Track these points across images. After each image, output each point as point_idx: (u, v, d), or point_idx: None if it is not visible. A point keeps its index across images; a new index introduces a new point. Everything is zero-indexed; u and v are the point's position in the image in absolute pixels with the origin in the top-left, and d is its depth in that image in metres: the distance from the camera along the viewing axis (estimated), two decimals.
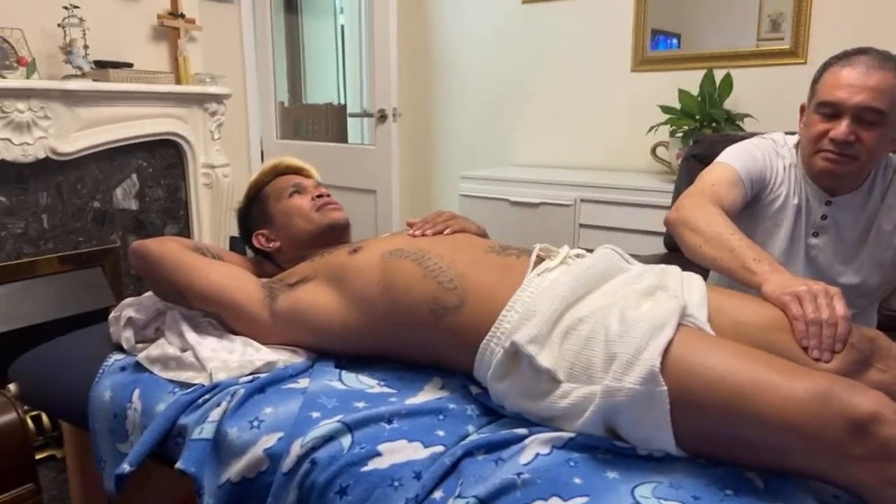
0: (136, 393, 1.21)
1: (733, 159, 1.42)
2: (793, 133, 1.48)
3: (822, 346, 0.98)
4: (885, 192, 1.38)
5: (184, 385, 1.19)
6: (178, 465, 1.06)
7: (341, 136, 4.22)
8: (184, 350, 1.25)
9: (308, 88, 4.96)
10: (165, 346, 1.26)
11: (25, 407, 1.43)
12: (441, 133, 3.58)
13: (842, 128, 1.27)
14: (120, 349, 1.35)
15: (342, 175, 3.23)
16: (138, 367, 1.26)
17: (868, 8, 2.40)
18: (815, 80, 1.36)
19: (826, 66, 1.34)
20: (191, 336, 1.26)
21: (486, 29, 3.31)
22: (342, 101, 4.62)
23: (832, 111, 1.29)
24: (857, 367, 0.98)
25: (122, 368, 1.28)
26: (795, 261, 1.44)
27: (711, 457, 0.90)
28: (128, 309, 1.36)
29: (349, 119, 4.25)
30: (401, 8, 3.10)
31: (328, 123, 4.26)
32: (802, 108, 1.43)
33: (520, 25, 3.21)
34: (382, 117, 3.10)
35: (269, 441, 1.03)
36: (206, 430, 1.07)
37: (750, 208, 1.45)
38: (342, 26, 4.81)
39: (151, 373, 1.24)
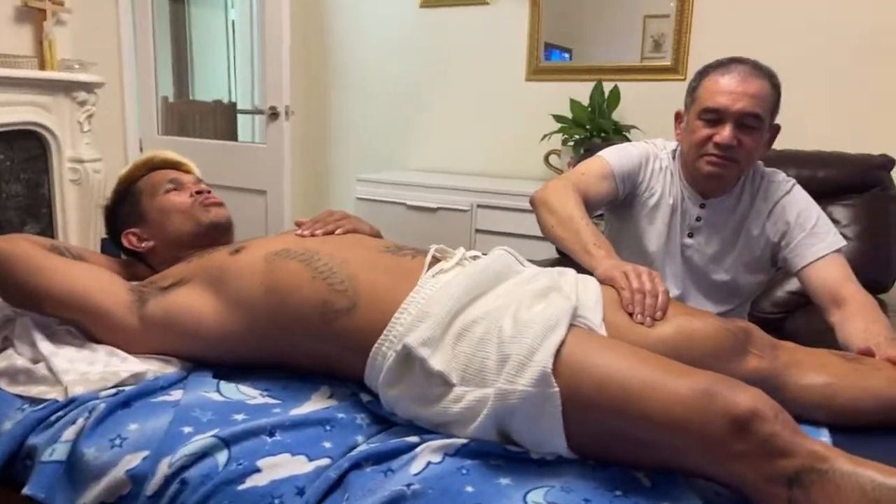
0: None
1: (609, 155, 1.50)
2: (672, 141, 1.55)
3: (645, 313, 1.08)
4: (755, 198, 1.46)
5: (34, 401, 1.06)
6: (26, 490, 0.94)
7: (231, 135, 4.03)
8: (35, 361, 1.12)
9: (196, 84, 4.71)
10: (14, 358, 1.13)
11: None
12: (337, 134, 3.50)
13: (726, 132, 1.33)
14: None
15: (230, 174, 3.08)
16: None
17: (743, 30, 2.57)
18: (694, 88, 1.42)
19: (703, 73, 1.41)
20: (44, 346, 1.13)
21: (384, 30, 3.27)
22: (232, 99, 4.42)
23: (715, 117, 1.35)
24: (737, 354, 1.05)
25: None
26: (673, 259, 1.50)
27: (602, 457, 0.90)
28: None
29: (239, 117, 4.07)
30: (294, 4, 3.00)
31: (217, 121, 4.06)
32: (678, 115, 1.49)
33: (418, 29, 3.19)
34: (274, 115, 2.98)
35: (133, 461, 0.93)
36: (59, 451, 0.96)
37: (628, 206, 1.53)
38: (233, 21, 4.62)
39: None
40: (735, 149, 1.34)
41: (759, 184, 1.47)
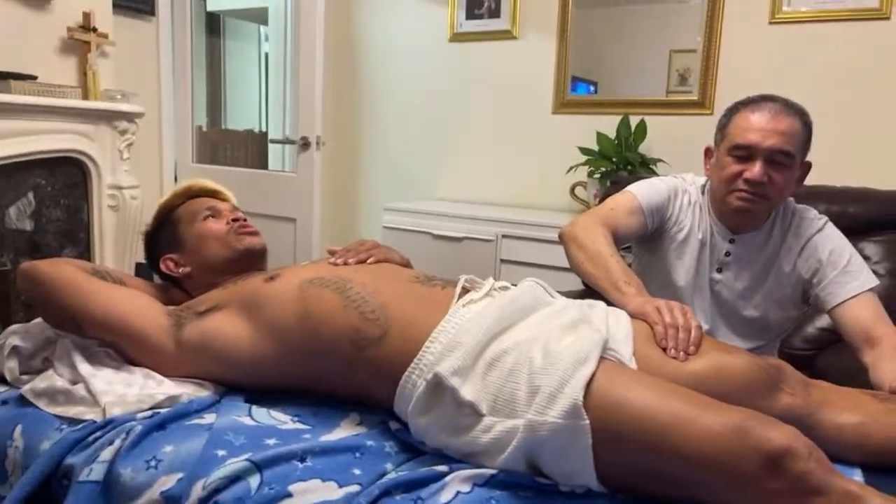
0: (19, 429, 1.09)
1: (637, 189, 1.51)
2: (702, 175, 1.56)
3: (679, 347, 1.08)
4: (786, 234, 1.46)
5: (73, 421, 1.09)
6: None
7: (262, 164, 4.12)
8: (74, 383, 1.15)
9: (228, 113, 4.84)
10: (54, 379, 1.15)
11: None
12: (366, 164, 3.56)
13: (756, 169, 1.34)
14: (3, 381, 1.22)
15: (261, 202, 3.13)
16: (22, 400, 1.14)
17: (770, 66, 2.58)
18: (724, 125, 1.44)
19: (734, 111, 1.42)
20: (83, 367, 1.16)
21: (413, 64, 3.34)
22: (264, 129, 4.53)
23: (745, 154, 1.36)
24: (769, 391, 1.03)
25: (4, 402, 1.16)
26: (702, 294, 1.50)
27: (633, 492, 0.89)
28: (13, 337, 1.23)
29: (270, 147, 4.16)
30: (328, 38, 3.08)
31: (248, 150, 4.16)
32: (708, 151, 1.50)
33: (447, 63, 3.26)
34: (305, 145, 3.04)
35: (168, 482, 0.94)
36: (96, 472, 0.98)
37: (657, 240, 1.53)
38: (266, 54, 4.75)
39: (37, 407, 1.12)
40: (765, 185, 1.35)
41: (791, 220, 1.46)
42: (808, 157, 1.42)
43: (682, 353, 1.07)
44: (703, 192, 1.52)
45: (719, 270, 1.48)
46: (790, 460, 0.78)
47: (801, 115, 1.37)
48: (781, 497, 0.78)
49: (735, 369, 1.05)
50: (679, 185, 1.53)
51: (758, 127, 1.34)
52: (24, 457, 1.06)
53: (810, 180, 1.47)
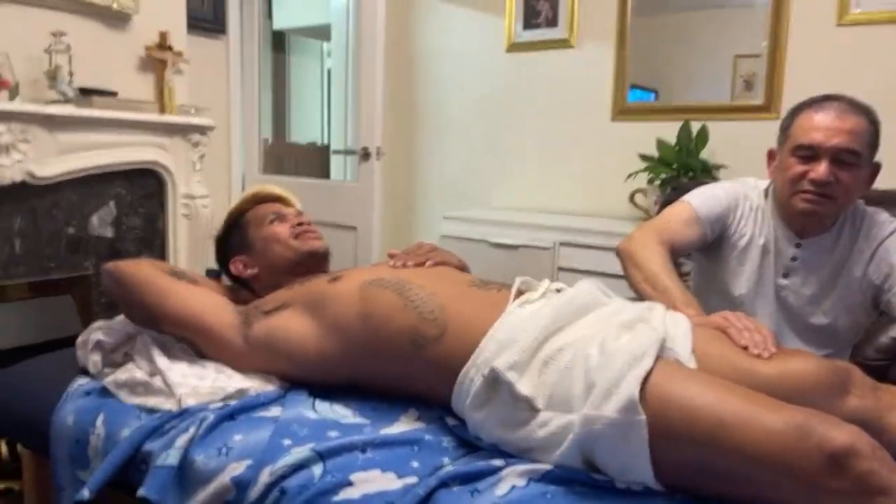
0: (101, 418, 1.17)
1: (696, 199, 1.48)
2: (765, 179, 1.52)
3: (758, 346, 1.06)
4: (856, 238, 1.41)
5: (151, 411, 1.16)
6: (141, 491, 1.02)
7: (323, 175, 4.23)
8: (153, 375, 1.22)
9: (292, 127, 5.00)
10: (134, 371, 1.23)
11: None
12: (424, 173, 3.61)
13: (821, 169, 1.30)
14: (86, 373, 1.31)
15: (323, 211, 3.22)
16: (104, 391, 1.22)
17: (838, 69, 2.50)
18: (787, 126, 1.41)
19: (797, 111, 1.39)
20: (161, 361, 1.23)
21: (471, 75, 3.38)
22: (325, 142, 4.66)
23: (810, 153, 1.33)
24: (836, 392, 1.01)
25: (87, 393, 1.24)
26: (765, 301, 1.46)
27: (690, 489, 0.89)
28: (97, 332, 1.32)
29: (332, 157, 4.28)
30: (387, 52, 3.16)
31: (311, 162, 4.29)
32: (771, 154, 1.47)
33: (504, 73, 3.28)
34: (366, 155, 3.12)
35: (238, 468, 1.00)
36: (172, 457, 1.04)
37: (717, 247, 1.50)
38: (328, 69, 4.89)
39: (117, 398, 1.20)
40: (831, 185, 1.31)
41: (861, 223, 1.42)
42: (878, 159, 1.38)
43: (764, 350, 1.05)
44: (765, 196, 1.49)
45: (785, 276, 1.44)
46: (853, 459, 0.76)
47: (867, 113, 1.33)
48: (844, 496, 0.76)
49: (800, 370, 1.03)
50: (740, 191, 1.49)
51: (822, 126, 1.31)
52: (105, 443, 1.13)
53: (880, 183, 1.42)
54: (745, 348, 1.06)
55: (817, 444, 0.78)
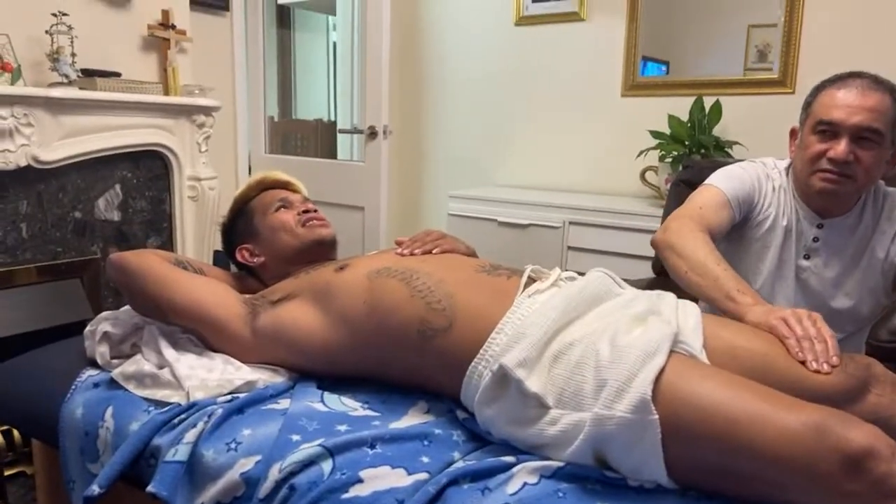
0: (109, 411, 1.16)
1: (721, 182, 1.43)
2: (783, 158, 1.49)
3: (820, 359, 1.00)
4: (879, 218, 1.38)
5: (159, 404, 1.15)
6: (150, 487, 1.02)
7: (331, 153, 4.20)
8: (161, 367, 1.21)
9: (298, 104, 4.95)
10: (142, 363, 1.22)
11: None
12: (431, 152, 3.58)
13: (841, 147, 1.27)
14: (94, 364, 1.30)
15: (330, 191, 3.20)
16: (112, 383, 1.22)
17: (856, 39, 2.43)
18: (809, 103, 1.37)
19: (820, 88, 1.36)
20: (168, 353, 1.22)
21: (478, 49, 3.32)
22: (332, 118, 4.61)
23: (830, 131, 1.30)
24: (856, 393, 0.99)
25: (96, 385, 1.24)
26: (785, 283, 1.44)
27: (703, 488, 0.87)
28: (104, 323, 1.31)
29: (339, 135, 4.24)
30: (394, 27, 3.10)
31: (318, 139, 4.25)
32: (793, 132, 1.44)
33: (512, 47, 3.22)
34: (373, 134, 3.08)
35: (247, 465, 0.99)
36: (181, 452, 1.03)
37: (739, 230, 1.46)
38: (334, 43, 4.82)
39: (126, 390, 1.20)
40: (851, 164, 1.28)
41: (883, 204, 1.39)
42: None
43: (824, 364, 0.99)
44: (787, 175, 1.46)
45: (807, 257, 1.42)
46: (871, 461, 0.74)
47: (891, 91, 1.29)
48: (861, 499, 0.75)
49: (819, 377, 0.99)
50: (761, 170, 1.46)
51: (844, 104, 1.28)
52: (114, 437, 1.13)
53: None
54: (804, 363, 1.01)
55: (834, 445, 0.77)
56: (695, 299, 1.22)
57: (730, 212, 1.40)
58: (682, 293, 1.22)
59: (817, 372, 0.99)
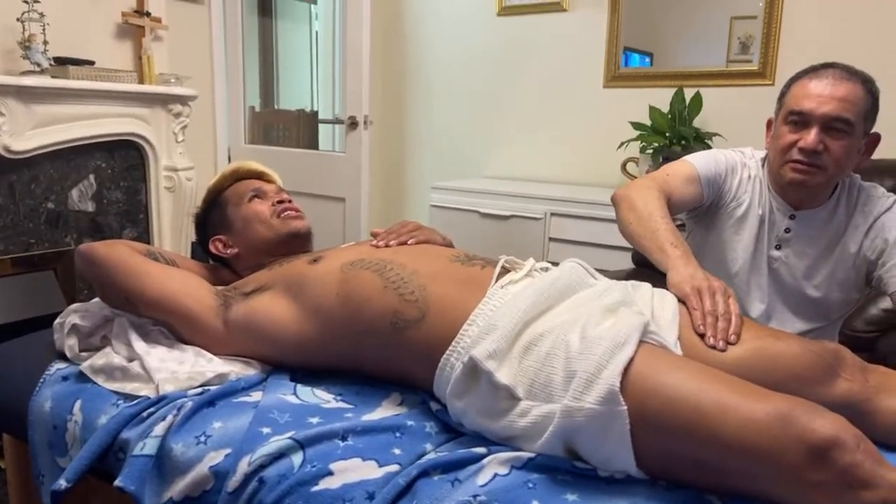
0: (78, 404, 1.15)
1: (695, 159, 1.47)
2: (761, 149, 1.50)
3: (717, 336, 1.04)
4: (853, 212, 1.39)
5: (128, 397, 1.14)
6: (117, 482, 1.00)
7: (312, 143, 4.17)
8: (131, 360, 1.20)
9: (280, 93, 4.90)
10: (111, 356, 1.20)
11: None
12: (413, 143, 3.56)
13: (811, 137, 1.28)
14: (63, 358, 1.28)
15: (311, 182, 3.18)
16: (81, 376, 1.20)
17: (834, 32, 2.45)
18: (783, 94, 1.38)
19: (794, 79, 1.36)
20: (139, 345, 1.20)
21: (460, 40, 3.30)
22: (315, 108, 4.57)
23: (801, 120, 1.30)
24: (825, 377, 0.99)
25: (65, 378, 1.22)
26: (759, 273, 1.45)
27: (672, 478, 0.88)
28: (73, 315, 1.29)
29: (321, 126, 4.20)
30: (375, 16, 3.08)
31: (300, 130, 4.21)
32: (769, 123, 1.44)
33: (495, 37, 3.21)
34: (353, 125, 3.06)
35: (216, 458, 0.98)
36: (149, 446, 1.02)
37: (713, 215, 1.48)
38: (316, 32, 4.77)
39: (95, 383, 1.18)
40: (821, 154, 1.29)
41: (857, 197, 1.39)
42: (877, 128, 1.34)
43: (721, 341, 1.03)
44: (763, 166, 1.47)
45: (778, 248, 1.43)
46: (836, 452, 0.75)
47: (864, 81, 1.29)
48: (826, 488, 0.75)
49: (786, 356, 1.01)
50: (738, 158, 1.48)
51: (815, 93, 1.28)
52: (82, 430, 1.11)
53: (879, 153, 1.39)
54: (702, 336, 1.05)
55: (799, 435, 0.77)
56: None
57: (697, 188, 1.43)
58: (657, 284, 1.22)
59: (713, 348, 1.02)
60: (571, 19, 2.99)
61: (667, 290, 1.19)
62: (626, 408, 0.85)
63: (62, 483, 1.03)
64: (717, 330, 1.05)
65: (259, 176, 1.51)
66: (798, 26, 2.52)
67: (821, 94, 1.28)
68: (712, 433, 0.81)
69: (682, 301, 1.14)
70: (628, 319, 0.96)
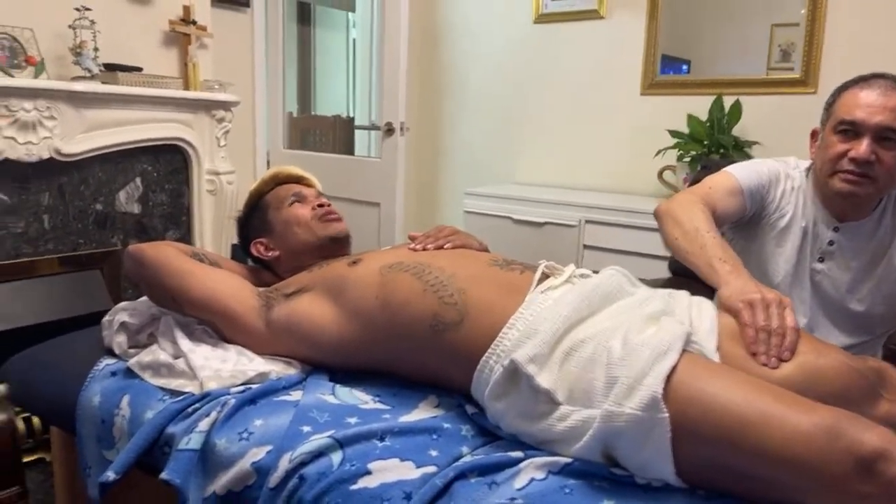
0: (126, 399, 1.18)
1: (737, 170, 1.44)
2: (805, 160, 1.47)
3: (770, 353, 1.00)
4: None
5: (174, 393, 1.17)
6: (163, 475, 1.03)
7: (348, 149, 4.22)
8: (176, 357, 1.23)
9: (318, 100, 4.97)
10: (158, 353, 1.24)
11: (17, 408, 1.41)
12: (448, 149, 3.58)
13: (863, 147, 1.26)
14: (111, 354, 1.32)
15: (347, 187, 3.22)
16: (129, 372, 1.23)
17: (879, 40, 2.39)
18: (831, 103, 1.36)
19: (842, 89, 1.34)
20: (184, 343, 1.24)
21: (496, 47, 3.32)
22: (351, 114, 4.63)
23: (851, 131, 1.28)
24: (866, 397, 0.97)
25: (113, 373, 1.26)
26: (801, 285, 1.42)
27: (712, 488, 0.87)
28: (121, 313, 1.33)
29: (357, 132, 4.25)
30: (412, 24, 3.11)
31: (336, 135, 4.27)
32: (814, 133, 1.42)
33: (531, 44, 3.21)
34: (389, 131, 3.09)
35: (258, 454, 1.00)
36: (194, 441, 1.05)
37: (755, 226, 1.46)
38: (354, 40, 4.84)
39: (142, 379, 1.21)
40: (872, 165, 1.26)
41: None
42: None
43: (773, 359, 0.99)
44: (807, 177, 1.44)
45: (821, 260, 1.40)
46: (884, 464, 0.74)
47: None
48: (874, 501, 0.74)
49: (829, 373, 0.98)
50: (782, 168, 1.45)
51: (866, 103, 1.27)
52: (129, 425, 1.15)
53: None
54: (754, 355, 1.01)
55: (847, 447, 0.76)
56: (711, 295, 1.21)
57: (740, 200, 1.40)
58: (695, 292, 1.21)
59: (765, 365, 0.98)
60: (608, 26, 2.98)
61: (704, 298, 1.17)
62: (667, 415, 0.84)
63: (110, 475, 1.07)
64: (769, 347, 1.01)
65: (298, 180, 1.54)
66: (841, 34, 2.47)
67: (872, 104, 1.26)
68: (756, 443, 0.80)
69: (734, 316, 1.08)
70: (671, 328, 0.96)
